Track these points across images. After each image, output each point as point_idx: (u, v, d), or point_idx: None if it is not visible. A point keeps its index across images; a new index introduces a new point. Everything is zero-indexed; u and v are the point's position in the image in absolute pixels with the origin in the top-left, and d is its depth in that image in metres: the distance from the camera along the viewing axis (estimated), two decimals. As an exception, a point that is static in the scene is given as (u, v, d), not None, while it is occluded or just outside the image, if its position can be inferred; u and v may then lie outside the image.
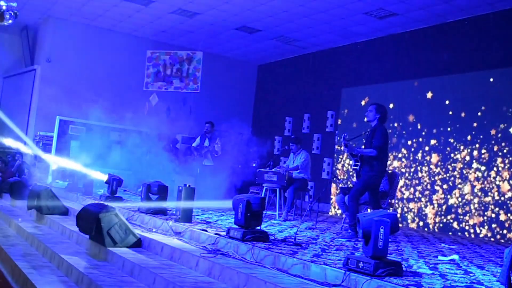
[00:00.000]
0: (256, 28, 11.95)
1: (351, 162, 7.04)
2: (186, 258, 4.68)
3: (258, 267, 4.21)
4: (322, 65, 12.89)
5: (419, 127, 9.98)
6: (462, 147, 9.19)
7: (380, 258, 3.73)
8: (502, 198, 8.41)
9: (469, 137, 9.08)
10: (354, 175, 6.58)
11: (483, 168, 8.79)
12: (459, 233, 8.87)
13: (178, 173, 10.77)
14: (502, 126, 8.64)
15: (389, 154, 8.27)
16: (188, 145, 12.73)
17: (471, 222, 8.80)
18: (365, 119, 6.66)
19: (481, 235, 8.56)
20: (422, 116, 9.96)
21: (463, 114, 9.24)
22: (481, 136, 8.89)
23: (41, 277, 4.62)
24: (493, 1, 8.84)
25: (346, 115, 11.61)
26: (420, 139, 9.93)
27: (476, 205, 8.76)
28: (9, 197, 9.99)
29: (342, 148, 6.35)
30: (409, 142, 10.13)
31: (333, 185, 11.52)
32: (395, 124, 10.40)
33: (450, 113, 9.44)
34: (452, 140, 9.37)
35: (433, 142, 9.69)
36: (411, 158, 10.05)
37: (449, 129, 9.42)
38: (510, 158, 8.42)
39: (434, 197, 9.47)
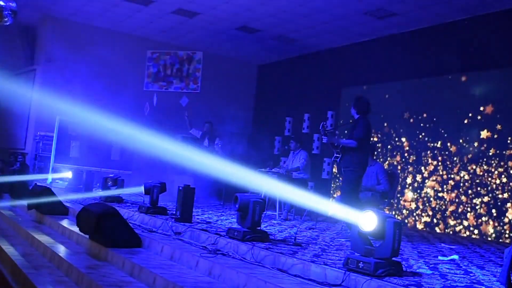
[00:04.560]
0: (256, 28, 11.95)
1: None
2: (186, 258, 4.68)
3: (258, 267, 4.21)
4: (322, 65, 12.89)
5: (419, 126, 9.99)
6: (462, 147, 9.19)
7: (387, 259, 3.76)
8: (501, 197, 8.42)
9: (467, 138, 9.09)
10: (336, 167, 6.44)
11: (483, 167, 8.80)
12: (459, 233, 8.88)
13: (178, 173, 10.78)
14: (499, 127, 8.65)
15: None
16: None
17: (470, 222, 8.80)
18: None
19: (479, 235, 8.58)
20: (422, 116, 9.96)
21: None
22: (481, 135, 8.89)
23: (41, 277, 4.62)
24: (493, 1, 8.84)
25: (345, 115, 11.61)
26: (420, 138, 9.94)
27: (475, 205, 8.77)
28: (9, 197, 9.99)
29: (322, 138, 6.07)
30: (408, 141, 10.14)
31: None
32: (396, 125, 10.42)
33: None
34: (452, 140, 9.37)
35: (433, 141, 9.69)
36: (410, 157, 10.05)
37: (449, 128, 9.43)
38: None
39: (433, 196, 9.48)
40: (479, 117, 8.98)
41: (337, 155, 6.02)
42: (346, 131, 6.51)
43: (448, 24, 9.93)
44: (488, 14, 9.25)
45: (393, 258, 3.83)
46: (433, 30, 10.20)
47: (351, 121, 6.42)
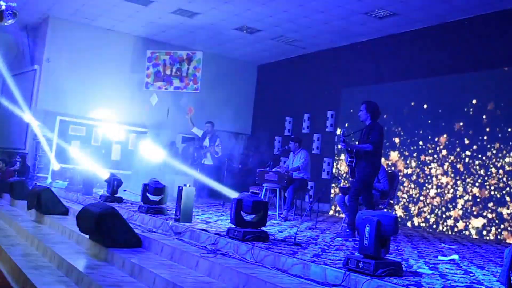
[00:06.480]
0: (256, 28, 11.95)
1: (342, 158, 7.02)
2: (186, 258, 4.68)
3: (258, 267, 4.21)
4: (322, 65, 12.89)
5: (419, 125, 9.99)
6: (461, 147, 9.19)
7: (370, 257, 3.72)
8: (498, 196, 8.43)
9: (468, 137, 9.09)
10: (349, 171, 6.53)
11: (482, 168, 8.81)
12: (459, 233, 8.88)
13: (177, 173, 10.78)
14: (500, 125, 8.65)
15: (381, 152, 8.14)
16: (187, 144, 12.72)
17: (471, 222, 8.81)
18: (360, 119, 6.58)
19: (479, 235, 8.58)
20: (422, 115, 9.97)
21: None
22: (480, 136, 8.90)
23: (41, 277, 4.62)
24: (493, 1, 8.84)
25: (345, 115, 11.62)
26: (420, 133, 9.94)
27: (476, 204, 8.78)
28: (9, 197, 9.99)
29: (340, 145, 6.30)
30: (408, 141, 10.14)
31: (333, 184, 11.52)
32: (397, 124, 10.41)
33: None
34: (452, 139, 9.38)
35: (434, 139, 9.70)
36: (409, 158, 10.05)
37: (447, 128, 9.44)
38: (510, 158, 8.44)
39: (432, 195, 9.48)
40: (480, 115, 8.99)
41: (351, 159, 6.14)
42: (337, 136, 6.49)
43: (448, 24, 9.93)
44: (488, 14, 9.25)
45: (391, 258, 3.83)
46: (433, 30, 10.21)
47: (363, 129, 6.46)
